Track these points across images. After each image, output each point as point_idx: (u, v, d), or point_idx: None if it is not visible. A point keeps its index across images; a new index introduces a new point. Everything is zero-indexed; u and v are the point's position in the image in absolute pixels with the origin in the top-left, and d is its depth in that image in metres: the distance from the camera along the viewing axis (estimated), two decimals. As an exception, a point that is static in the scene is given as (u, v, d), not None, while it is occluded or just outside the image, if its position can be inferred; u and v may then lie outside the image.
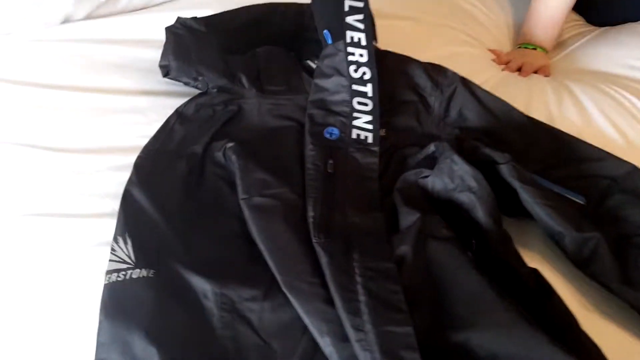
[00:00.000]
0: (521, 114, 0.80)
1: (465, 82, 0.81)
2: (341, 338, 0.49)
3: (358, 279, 0.53)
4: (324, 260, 0.55)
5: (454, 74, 0.81)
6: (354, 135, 0.73)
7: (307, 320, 0.51)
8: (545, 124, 0.80)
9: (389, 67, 0.81)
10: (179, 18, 0.79)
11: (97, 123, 0.73)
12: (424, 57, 0.83)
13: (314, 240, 0.58)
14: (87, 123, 0.72)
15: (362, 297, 0.51)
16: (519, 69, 1.00)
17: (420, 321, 0.51)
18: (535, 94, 0.89)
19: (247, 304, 0.53)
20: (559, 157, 0.76)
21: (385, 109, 0.76)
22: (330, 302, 0.52)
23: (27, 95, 0.75)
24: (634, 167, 0.73)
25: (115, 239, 0.57)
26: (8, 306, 0.55)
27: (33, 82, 0.76)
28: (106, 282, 0.53)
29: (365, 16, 0.74)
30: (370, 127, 0.73)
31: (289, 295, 0.53)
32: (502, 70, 0.99)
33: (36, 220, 0.61)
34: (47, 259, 0.58)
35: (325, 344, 0.50)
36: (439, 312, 0.53)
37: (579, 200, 0.69)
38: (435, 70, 0.81)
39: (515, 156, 0.70)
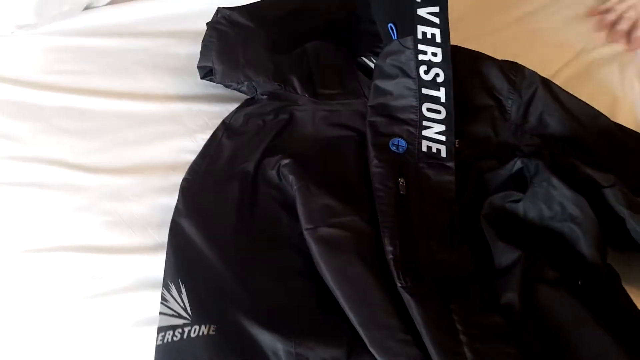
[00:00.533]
0: (609, 120, 0.70)
1: (546, 83, 0.70)
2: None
3: (462, 337, 0.44)
4: (414, 309, 0.46)
5: (533, 73, 0.71)
6: (424, 148, 0.63)
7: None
8: (635, 132, 0.71)
9: (461, 65, 0.70)
10: (220, 10, 0.69)
11: (130, 136, 0.63)
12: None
13: (398, 285, 0.49)
14: (119, 136, 0.63)
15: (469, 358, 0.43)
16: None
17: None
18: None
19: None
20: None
21: (458, 115, 0.66)
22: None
23: (49, 101, 0.65)
24: None
25: (166, 286, 0.48)
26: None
27: (55, 85, 0.67)
28: (159, 342, 0.45)
29: (442, 8, 0.63)
30: (443, 138, 0.63)
31: (377, 356, 0.45)
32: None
33: (63, 256, 0.52)
34: (79, 303, 0.50)
35: None
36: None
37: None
38: (512, 70, 0.71)
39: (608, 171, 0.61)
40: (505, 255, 0.52)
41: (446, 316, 0.46)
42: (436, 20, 0.63)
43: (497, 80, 0.70)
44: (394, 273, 0.50)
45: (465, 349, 0.43)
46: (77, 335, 0.49)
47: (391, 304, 0.48)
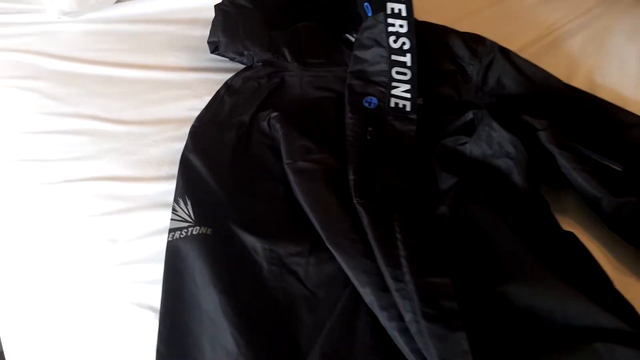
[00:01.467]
0: (560, 81, 0.80)
1: (504, 51, 0.81)
2: (381, 288, 0.53)
3: (398, 236, 0.56)
4: (365, 219, 0.59)
5: (493, 43, 0.82)
6: (392, 104, 0.76)
7: (349, 272, 0.55)
8: (585, 92, 0.80)
9: (428, 37, 0.83)
10: (226, -1, 0.83)
11: (152, 98, 0.78)
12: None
13: (355, 201, 0.61)
14: (142, 98, 0.78)
15: (402, 252, 0.54)
16: None
17: (463, 276, 0.54)
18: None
19: (293, 258, 0.58)
20: (599, 125, 0.76)
21: (424, 78, 0.78)
22: (370, 256, 0.56)
23: (87, 71, 0.81)
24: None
25: (176, 201, 0.62)
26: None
27: (93, 59, 0.83)
28: (170, 239, 0.59)
29: (402, -15, 0.75)
30: (408, 95, 0.76)
31: (332, 251, 0.57)
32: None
33: (100, 184, 0.67)
34: (111, 217, 0.64)
35: (366, 293, 0.53)
36: (478, 267, 0.56)
37: (616, 167, 0.69)
38: (473, 40, 0.82)
39: (555, 124, 0.71)
40: (446, 181, 0.64)
41: (388, 223, 0.58)
42: (398, 4, 0.75)
43: (460, 49, 0.82)
44: (353, 193, 0.62)
45: (399, 243, 0.55)
46: (99, 243, 0.62)
47: (346, 215, 0.60)
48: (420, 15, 0.87)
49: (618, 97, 0.82)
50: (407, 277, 0.52)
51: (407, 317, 0.50)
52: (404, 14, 0.76)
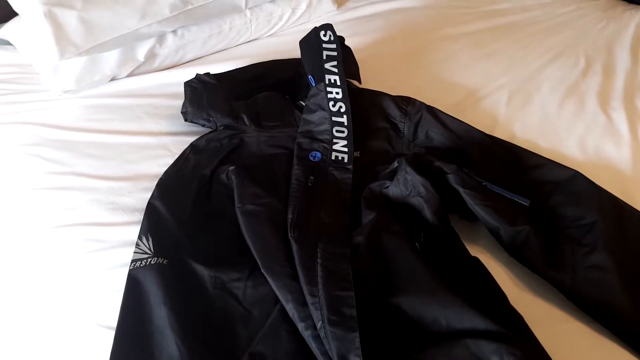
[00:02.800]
0: (480, 132, 0.94)
1: (430, 109, 0.96)
2: (301, 303, 0.64)
3: (319, 260, 0.68)
4: (295, 248, 0.71)
5: (421, 103, 0.97)
6: (333, 157, 0.89)
7: (277, 292, 0.66)
8: (501, 140, 0.94)
9: (365, 101, 0.98)
10: (196, 74, 1.01)
11: (132, 158, 0.93)
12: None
13: (289, 235, 0.73)
14: (125, 158, 0.93)
15: (319, 273, 0.66)
16: None
17: (367, 291, 0.65)
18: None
19: (234, 283, 0.70)
20: (512, 167, 0.89)
21: (361, 135, 0.93)
22: (295, 278, 0.67)
23: (82, 138, 0.97)
24: (575, 173, 0.85)
25: (139, 237, 0.75)
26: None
27: (87, 128, 0.98)
28: (131, 268, 0.71)
29: (338, 62, 0.92)
30: (346, 149, 0.90)
31: (266, 275, 0.69)
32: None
33: (83, 228, 0.81)
34: (90, 255, 0.77)
35: (289, 308, 0.64)
36: (382, 285, 0.67)
37: (524, 202, 0.81)
38: (404, 101, 0.98)
39: (475, 168, 0.85)
40: (367, 217, 0.76)
41: (313, 250, 0.70)
42: (335, 70, 0.92)
43: (392, 110, 0.97)
44: (289, 228, 0.75)
45: (318, 266, 0.67)
46: (84, 270, 0.75)
47: (281, 246, 0.72)
48: (363, 84, 1.04)
49: (533, 144, 0.95)
50: (321, 292, 0.63)
51: (318, 325, 0.61)
52: (338, 83, 0.92)
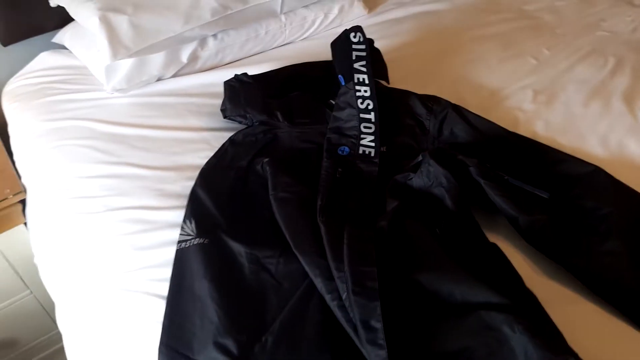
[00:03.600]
0: (503, 129, 0.98)
1: (455, 107, 1.01)
2: (328, 278, 0.70)
3: (345, 241, 0.74)
4: (323, 230, 0.77)
5: (446, 101, 1.02)
6: (360, 152, 0.95)
7: (307, 268, 0.73)
8: (524, 136, 0.98)
9: (393, 99, 1.04)
10: (235, 74, 1.08)
11: (176, 150, 1.01)
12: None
13: (318, 219, 0.79)
14: (169, 150, 1.01)
15: (345, 251, 0.72)
16: None
17: (389, 268, 0.71)
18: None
19: (267, 259, 0.76)
20: (533, 162, 0.93)
21: (388, 131, 0.98)
22: (323, 257, 0.73)
23: (130, 132, 1.06)
24: (596, 168, 0.88)
25: (184, 221, 0.83)
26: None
27: (135, 123, 1.08)
28: (177, 248, 0.79)
29: (366, 62, 0.98)
30: (372, 144, 0.95)
31: (296, 253, 0.75)
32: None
33: (132, 211, 0.89)
34: (138, 235, 0.85)
35: (317, 282, 0.71)
36: (403, 263, 0.72)
37: (543, 194, 0.85)
38: (430, 100, 1.03)
39: (497, 162, 0.89)
40: (390, 204, 0.81)
41: (339, 233, 0.76)
42: (364, 69, 0.98)
43: (418, 108, 1.02)
44: (318, 213, 0.81)
45: (344, 247, 0.73)
46: (135, 247, 0.83)
47: (310, 229, 0.78)
48: (392, 83, 1.10)
49: (555, 142, 0.98)
50: (346, 267, 0.69)
51: (344, 296, 0.67)
52: (366, 81, 0.98)
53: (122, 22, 1.05)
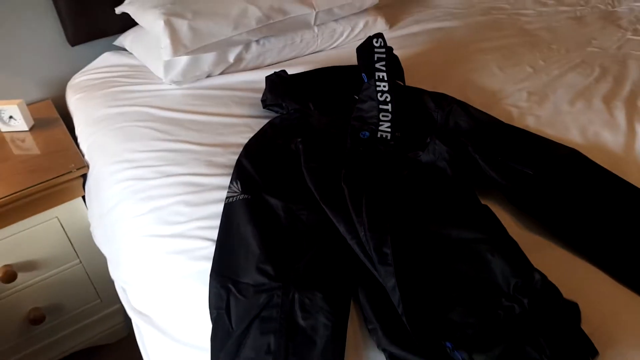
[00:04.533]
0: (499, 120, 1.15)
1: (460, 103, 1.19)
2: (350, 224, 0.87)
3: (364, 200, 0.91)
4: (346, 191, 0.94)
5: (452, 98, 1.20)
6: (378, 135, 1.13)
7: (332, 218, 0.90)
8: (516, 127, 1.15)
9: (410, 95, 1.22)
10: (274, 72, 1.28)
11: (224, 132, 1.20)
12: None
13: (342, 184, 0.97)
14: (217, 132, 1.21)
15: (364, 206, 0.89)
16: None
17: (412, 221, 0.87)
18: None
19: (299, 211, 0.93)
20: (523, 146, 1.09)
21: (402, 120, 1.16)
22: (345, 210, 0.90)
23: (184, 117, 1.26)
24: (574, 150, 1.05)
25: (231, 182, 1.01)
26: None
27: (188, 110, 1.28)
28: (226, 202, 0.97)
29: (386, 62, 1.17)
30: (389, 130, 1.13)
31: (324, 206, 0.92)
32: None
33: (186, 177, 1.07)
34: (192, 195, 1.03)
35: (341, 227, 0.87)
36: (413, 214, 0.89)
37: (528, 171, 1.01)
38: (439, 97, 1.21)
39: (492, 146, 1.06)
40: (402, 173, 0.99)
41: (360, 193, 0.93)
42: (383, 68, 1.16)
43: (429, 102, 1.20)
44: (342, 179, 0.98)
45: (363, 202, 0.89)
46: (189, 204, 1.01)
47: (335, 191, 0.95)
48: (409, 84, 1.28)
49: (542, 132, 1.15)
50: (364, 216, 0.86)
51: (362, 234, 0.84)
52: (385, 78, 1.16)
53: (182, 25, 1.26)
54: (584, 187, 0.95)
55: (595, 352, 0.67)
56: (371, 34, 1.59)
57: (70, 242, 1.43)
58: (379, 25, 1.62)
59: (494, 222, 0.89)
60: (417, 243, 0.83)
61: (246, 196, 0.97)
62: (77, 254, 1.46)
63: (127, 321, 1.66)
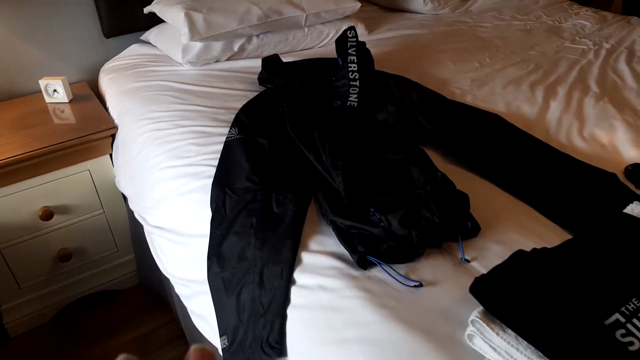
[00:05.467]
0: (443, 96, 1.47)
1: (414, 83, 1.51)
2: (318, 156, 1.17)
3: (327, 139, 1.21)
4: (316, 135, 1.25)
5: (409, 79, 1.52)
6: (348, 104, 1.45)
7: (304, 150, 1.20)
8: (454, 100, 1.46)
9: (376, 77, 1.55)
10: (270, 55, 1.61)
11: (230, 99, 1.53)
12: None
13: (314, 130, 1.28)
14: (222, 99, 1.53)
15: (328, 144, 1.19)
16: None
17: (361, 150, 1.18)
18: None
19: (280, 146, 1.24)
20: (457, 113, 1.41)
21: (367, 94, 1.48)
22: (315, 146, 1.21)
23: (196, 89, 1.58)
24: (498, 115, 1.36)
25: (230, 128, 1.32)
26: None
27: (200, 84, 1.61)
28: (225, 141, 1.28)
29: (356, 49, 1.50)
30: (356, 100, 1.45)
31: (303, 149, 1.22)
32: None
33: (197, 128, 1.39)
34: (201, 139, 1.34)
35: (311, 157, 1.17)
36: (370, 150, 1.19)
37: (458, 128, 1.32)
38: (399, 78, 1.53)
39: (434, 112, 1.38)
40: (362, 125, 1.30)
41: (327, 138, 1.24)
42: (354, 53, 1.49)
43: (390, 82, 1.52)
44: (315, 129, 1.29)
45: (327, 144, 1.21)
46: (193, 148, 1.32)
47: (312, 137, 1.27)
48: (382, 67, 1.60)
49: (477, 105, 1.47)
50: (327, 152, 1.16)
51: (324, 158, 1.14)
52: (355, 61, 1.49)
53: (199, 18, 1.60)
54: (500, 138, 1.25)
55: (477, 228, 0.97)
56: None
57: (97, 193, 1.73)
58: (359, 30, 1.96)
59: (418, 150, 1.20)
60: (362, 161, 1.13)
61: (241, 136, 1.28)
62: (101, 204, 1.76)
63: (138, 271, 1.94)
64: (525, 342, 0.69)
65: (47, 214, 1.63)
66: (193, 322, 1.15)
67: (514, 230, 0.97)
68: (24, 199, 1.60)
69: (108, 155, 1.69)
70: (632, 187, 1.10)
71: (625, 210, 0.97)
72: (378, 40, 1.93)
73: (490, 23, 2.09)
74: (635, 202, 0.99)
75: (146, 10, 1.83)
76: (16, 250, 1.66)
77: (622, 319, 0.69)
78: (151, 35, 1.89)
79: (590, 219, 0.97)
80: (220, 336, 0.98)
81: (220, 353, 0.97)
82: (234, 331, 0.95)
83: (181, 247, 1.17)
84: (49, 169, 1.60)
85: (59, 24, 1.85)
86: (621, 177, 1.13)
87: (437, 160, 1.21)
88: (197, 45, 1.66)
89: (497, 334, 0.71)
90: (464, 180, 1.15)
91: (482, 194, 1.10)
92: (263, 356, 0.87)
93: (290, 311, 0.89)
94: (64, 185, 1.66)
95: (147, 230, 1.37)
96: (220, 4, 1.67)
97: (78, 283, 1.85)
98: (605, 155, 1.20)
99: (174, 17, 1.65)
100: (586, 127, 1.30)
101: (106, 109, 1.75)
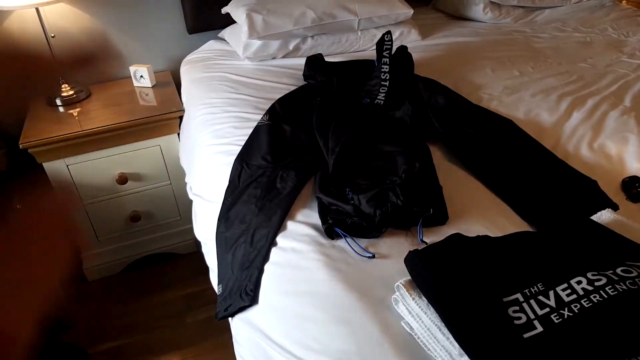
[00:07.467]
0: (468, 100, 1.54)
1: (441, 85, 1.60)
2: (326, 141, 1.32)
3: (339, 130, 1.36)
4: (332, 126, 1.40)
5: (438, 83, 1.61)
6: (376, 102, 1.58)
7: (318, 137, 1.36)
8: (478, 105, 1.52)
9: (408, 79, 1.65)
10: (312, 55, 1.79)
11: (272, 92, 1.72)
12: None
13: (333, 122, 1.43)
14: (267, 91, 1.73)
15: (336, 133, 1.34)
16: None
17: (363, 141, 1.31)
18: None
19: (301, 134, 1.41)
20: (478, 115, 1.47)
21: (397, 94, 1.59)
22: (327, 135, 1.36)
23: (249, 81, 1.80)
24: (511, 121, 1.41)
25: (262, 116, 1.51)
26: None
27: (254, 77, 1.82)
28: (256, 126, 1.47)
29: (390, 51, 1.61)
30: (383, 98, 1.57)
31: (315, 132, 1.38)
32: None
33: (239, 114, 1.60)
34: (240, 123, 1.55)
35: (320, 142, 1.33)
36: (371, 141, 1.32)
37: (470, 130, 1.40)
38: (429, 81, 1.62)
39: (457, 116, 1.46)
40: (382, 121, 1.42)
41: (343, 130, 1.38)
42: (388, 56, 1.61)
43: (420, 85, 1.62)
44: (333, 126, 1.44)
45: (335, 134, 1.35)
46: (234, 130, 1.53)
47: (328, 127, 1.42)
48: (421, 74, 1.71)
49: (498, 111, 1.51)
50: (331, 138, 1.31)
51: (330, 145, 1.29)
52: (388, 63, 1.61)
53: (258, 18, 1.82)
54: (502, 140, 1.31)
55: (445, 217, 1.06)
56: (405, 42, 2.06)
57: (166, 166, 2.03)
58: (413, 35, 2.06)
59: (418, 145, 1.29)
60: (357, 150, 1.26)
61: (269, 122, 1.47)
62: (169, 176, 2.05)
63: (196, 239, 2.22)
64: (432, 308, 0.79)
65: (123, 179, 1.95)
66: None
67: (481, 224, 1.05)
68: (106, 164, 1.93)
69: (176, 134, 1.97)
70: (623, 197, 1.12)
71: (594, 217, 1.00)
72: (428, 45, 2.02)
73: (549, 34, 2.07)
74: (608, 210, 1.02)
75: (223, 10, 2.09)
76: (97, 207, 2.00)
77: (521, 298, 0.76)
78: (225, 32, 2.15)
79: (556, 221, 1.02)
80: (218, 285, 1.17)
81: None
82: (227, 281, 1.14)
83: (206, 211, 1.39)
84: (128, 141, 1.92)
85: (150, 20, 2.18)
86: (618, 188, 1.15)
87: (439, 157, 1.30)
88: (257, 43, 1.88)
89: (414, 299, 0.82)
90: (455, 175, 1.23)
91: (465, 189, 1.18)
92: (240, 301, 1.05)
93: (267, 267, 1.05)
94: (138, 156, 1.96)
95: (191, 199, 1.61)
96: (278, 5, 1.87)
97: (145, 242, 2.17)
98: (608, 167, 1.21)
99: (239, 17, 1.89)
100: (598, 139, 1.30)
101: (179, 95, 2.04)
